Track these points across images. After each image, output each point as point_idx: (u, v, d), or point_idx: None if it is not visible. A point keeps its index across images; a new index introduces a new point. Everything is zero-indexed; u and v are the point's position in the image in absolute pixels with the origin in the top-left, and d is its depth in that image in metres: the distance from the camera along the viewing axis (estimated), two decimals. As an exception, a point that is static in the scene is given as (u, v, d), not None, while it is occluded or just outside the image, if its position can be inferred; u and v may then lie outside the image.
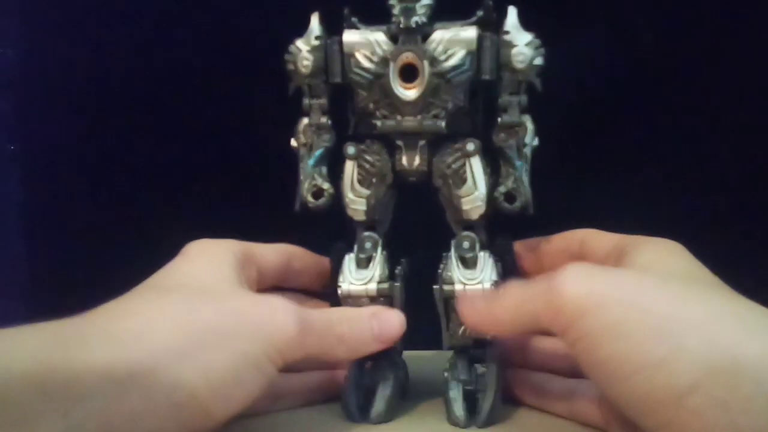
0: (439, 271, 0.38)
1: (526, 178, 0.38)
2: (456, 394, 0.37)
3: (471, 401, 0.38)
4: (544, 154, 0.38)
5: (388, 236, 0.40)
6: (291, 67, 0.38)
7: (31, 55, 0.53)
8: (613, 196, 0.50)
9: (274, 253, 0.41)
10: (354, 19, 0.38)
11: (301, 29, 0.38)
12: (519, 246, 0.42)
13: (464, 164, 0.38)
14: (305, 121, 0.39)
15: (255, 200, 0.53)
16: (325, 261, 0.41)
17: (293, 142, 0.40)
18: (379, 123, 0.37)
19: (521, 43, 0.36)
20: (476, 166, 0.37)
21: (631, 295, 0.30)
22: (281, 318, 0.34)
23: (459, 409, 0.37)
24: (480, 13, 0.37)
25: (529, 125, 0.38)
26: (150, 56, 0.53)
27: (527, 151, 0.38)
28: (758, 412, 0.27)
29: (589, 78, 0.51)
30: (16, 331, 0.29)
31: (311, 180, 0.39)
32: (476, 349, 0.38)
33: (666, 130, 0.52)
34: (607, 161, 0.52)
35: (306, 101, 0.39)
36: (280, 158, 0.41)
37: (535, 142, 0.38)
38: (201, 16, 0.52)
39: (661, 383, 0.28)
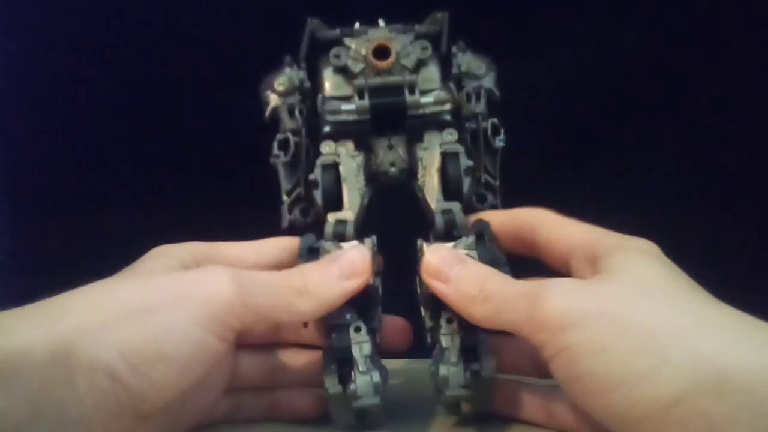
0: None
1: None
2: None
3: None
4: (529, 155, 0.39)
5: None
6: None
7: (14, 59, 0.54)
8: (599, 197, 0.51)
9: (256, 252, 0.38)
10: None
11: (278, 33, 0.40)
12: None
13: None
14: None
15: (242, 202, 0.53)
16: None
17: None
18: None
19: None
20: None
21: (613, 310, 0.30)
22: (212, 282, 0.31)
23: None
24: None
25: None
26: (129, 60, 0.54)
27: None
28: (744, 423, 0.26)
29: (576, 80, 0.52)
30: None
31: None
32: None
33: (652, 133, 0.52)
34: (593, 162, 0.52)
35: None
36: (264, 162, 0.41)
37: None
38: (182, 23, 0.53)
39: (645, 396, 0.28)
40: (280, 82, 0.41)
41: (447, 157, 0.39)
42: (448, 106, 0.40)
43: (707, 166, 0.52)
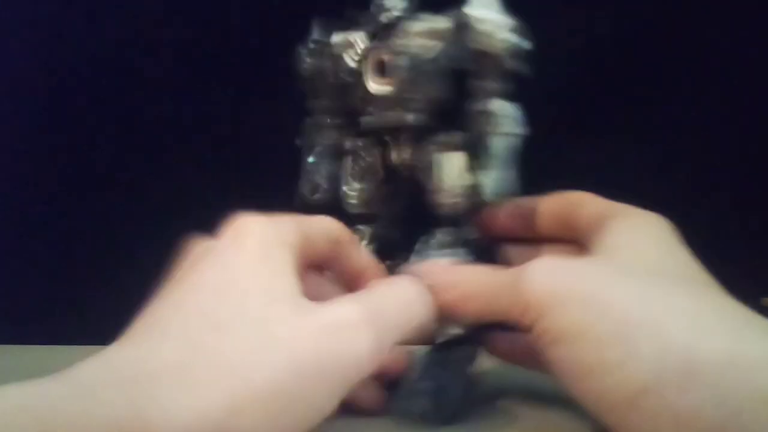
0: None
1: (495, 171, 0.37)
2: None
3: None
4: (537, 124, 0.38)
5: (385, 231, 0.40)
6: (297, 69, 0.40)
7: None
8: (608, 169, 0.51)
9: (323, 231, 0.34)
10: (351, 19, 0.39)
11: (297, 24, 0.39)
12: (511, 207, 0.38)
13: (437, 157, 0.37)
14: (308, 120, 0.40)
15: (250, 194, 0.53)
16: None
17: (298, 141, 0.41)
18: (362, 119, 0.38)
19: (494, 27, 0.36)
20: (448, 160, 0.37)
21: (592, 294, 0.29)
22: (353, 346, 0.28)
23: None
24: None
25: (507, 112, 0.37)
26: (124, 48, 0.53)
27: (501, 141, 0.37)
28: (709, 418, 0.26)
29: (569, 56, 0.52)
30: (74, 380, 0.24)
31: (309, 176, 0.40)
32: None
33: (646, 110, 0.52)
34: (588, 140, 0.52)
35: (308, 101, 0.40)
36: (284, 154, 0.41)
37: (518, 130, 0.37)
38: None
39: (613, 386, 0.28)
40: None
41: None
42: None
43: (705, 145, 0.52)
